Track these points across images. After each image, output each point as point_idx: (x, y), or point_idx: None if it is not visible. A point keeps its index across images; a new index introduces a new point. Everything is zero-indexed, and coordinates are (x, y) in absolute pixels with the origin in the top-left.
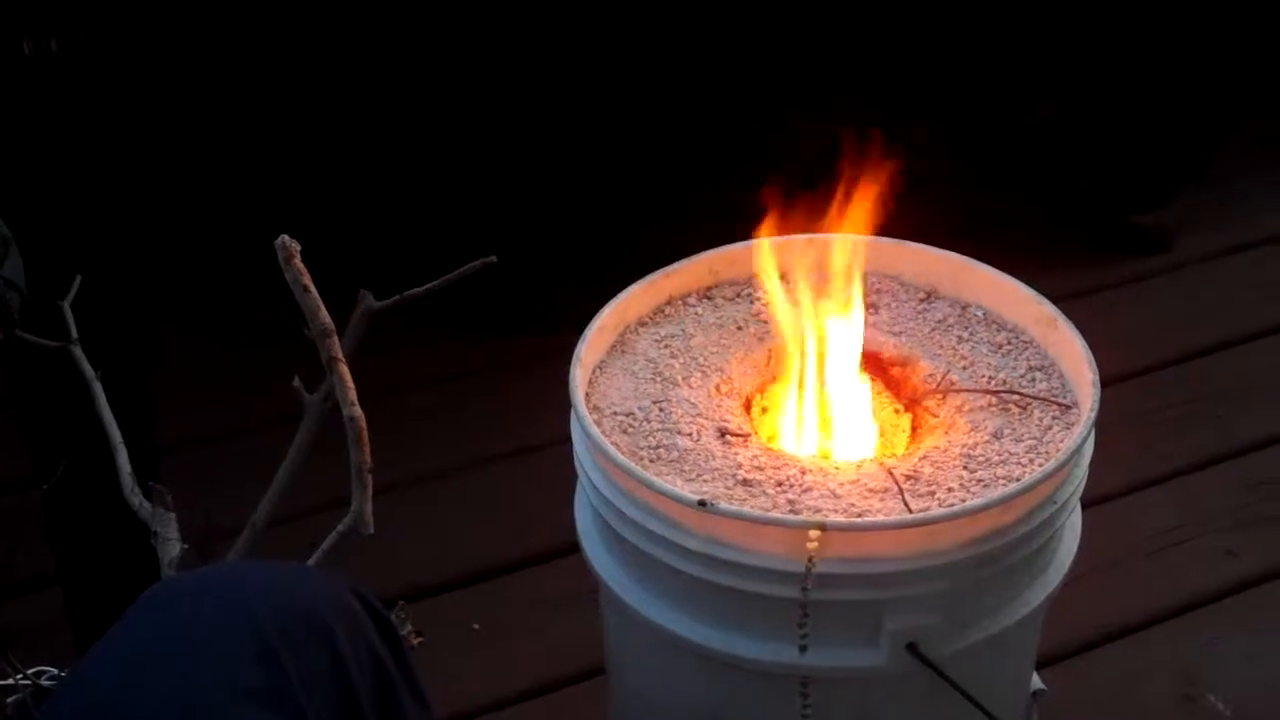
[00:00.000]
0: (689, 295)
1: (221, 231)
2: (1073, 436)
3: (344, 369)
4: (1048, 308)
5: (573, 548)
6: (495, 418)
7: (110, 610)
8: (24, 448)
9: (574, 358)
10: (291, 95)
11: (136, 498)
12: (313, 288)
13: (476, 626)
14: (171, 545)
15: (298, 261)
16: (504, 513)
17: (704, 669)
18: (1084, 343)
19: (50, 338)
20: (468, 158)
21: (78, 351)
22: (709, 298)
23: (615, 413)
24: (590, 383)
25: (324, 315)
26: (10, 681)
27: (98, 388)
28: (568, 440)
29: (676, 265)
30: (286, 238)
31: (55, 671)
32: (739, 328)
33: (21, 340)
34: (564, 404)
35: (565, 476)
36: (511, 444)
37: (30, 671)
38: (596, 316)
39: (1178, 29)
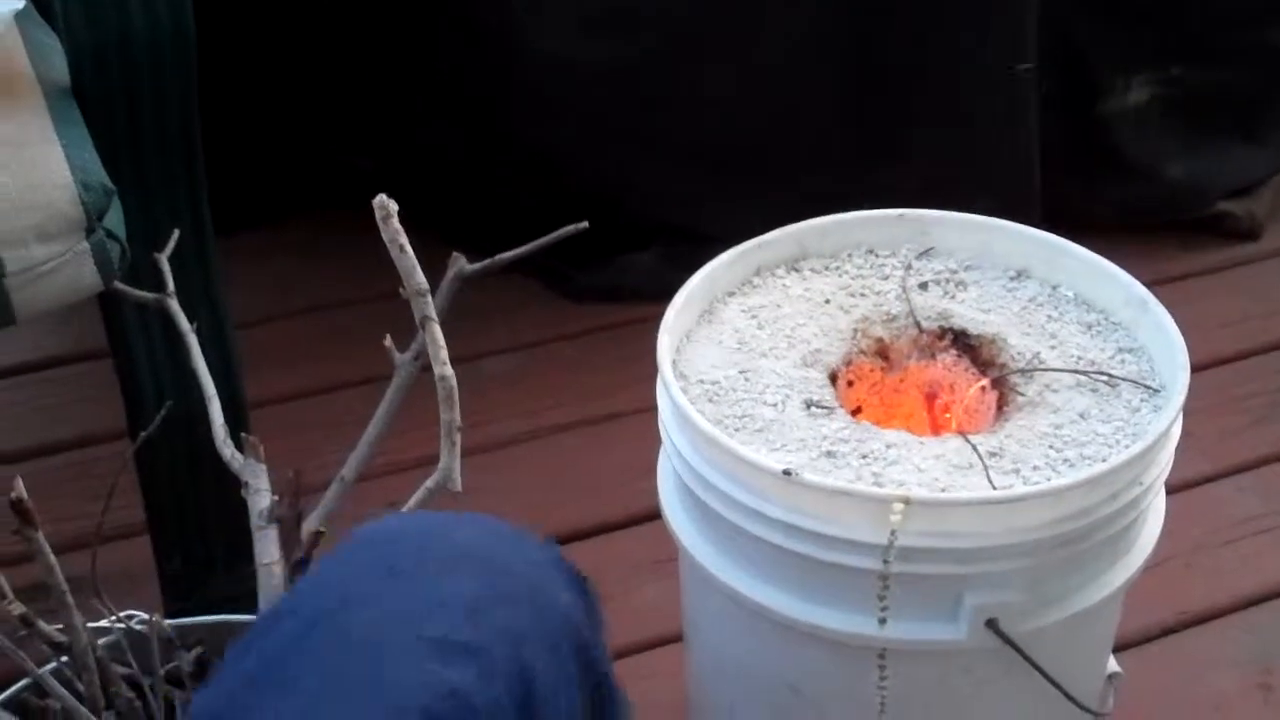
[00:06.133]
0: (777, 267)
1: (315, 191)
2: (1161, 419)
3: (437, 328)
4: (1139, 290)
5: (652, 515)
6: (577, 384)
7: (197, 560)
8: (118, 398)
9: (662, 325)
10: (391, 56)
11: (228, 449)
12: (409, 248)
13: None
14: (262, 496)
15: (395, 221)
16: (583, 479)
17: (783, 638)
18: (1175, 326)
19: (147, 290)
20: (558, 122)
21: (174, 304)
22: (797, 270)
23: (701, 381)
24: (677, 351)
25: (420, 275)
26: (104, 623)
27: (193, 340)
28: (650, 409)
29: (766, 237)
30: (384, 197)
31: (144, 616)
32: (827, 300)
33: (120, 292)
34: (647, 372)
35: (647, 445)
36: (593, 410)
37: (122, 614)
38: (685, 285)
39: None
